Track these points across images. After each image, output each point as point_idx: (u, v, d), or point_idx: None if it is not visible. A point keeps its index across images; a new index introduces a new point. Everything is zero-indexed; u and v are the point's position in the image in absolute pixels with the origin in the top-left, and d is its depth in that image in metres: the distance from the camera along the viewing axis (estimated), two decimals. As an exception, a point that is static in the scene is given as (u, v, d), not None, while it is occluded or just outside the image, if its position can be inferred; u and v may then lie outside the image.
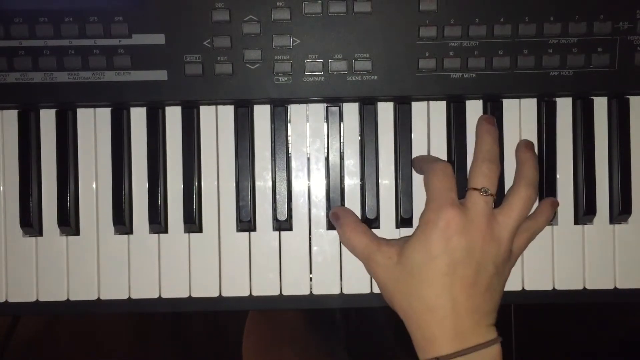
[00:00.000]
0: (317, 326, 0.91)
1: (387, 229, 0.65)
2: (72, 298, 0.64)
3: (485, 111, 0.65)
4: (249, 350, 0.90)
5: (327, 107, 0.65)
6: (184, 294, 0.64)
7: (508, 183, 0.64)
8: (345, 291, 0.64)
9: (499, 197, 0.61)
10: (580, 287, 0.65)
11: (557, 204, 0.63)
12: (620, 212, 0.64)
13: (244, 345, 0.90)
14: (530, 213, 0.60)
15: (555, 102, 0.65)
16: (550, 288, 0.65)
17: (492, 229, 0.57)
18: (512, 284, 0.64)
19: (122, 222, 0.64)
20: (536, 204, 0.62)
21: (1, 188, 0.65)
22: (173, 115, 0.65)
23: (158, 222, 0.64)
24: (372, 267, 0.59)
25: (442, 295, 0.55)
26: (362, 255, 0.60)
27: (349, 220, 0.61)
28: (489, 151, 0.60)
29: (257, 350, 0.89)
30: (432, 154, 0.65)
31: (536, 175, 0.61)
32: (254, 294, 0.64)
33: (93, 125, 0.65)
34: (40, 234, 0.65)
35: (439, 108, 0.65)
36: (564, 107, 0.65)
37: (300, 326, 0.91)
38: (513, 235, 0.58)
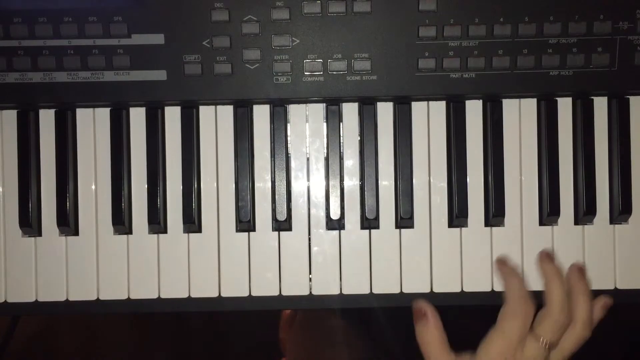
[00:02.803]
0: (361, 334, 0.91)
1: (387, 229, 0.64)
2: (71, 298, 0.64)
3: (485, 111, 0.65)
4: (292, 353, 0.90)
5: (327, 105, 0.65)
6: (183, 294, 0.64)
7: (507, 186, 0.64)
8: (344, 292, 0.64)
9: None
10: (580, 288, 0.65)
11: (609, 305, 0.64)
12: (620, 212, 0.64)
13: (287, 347, 0.91)
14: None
15: (555, 102, 0.65)
16: (550, 288, 0.64)
17: None
18: (512, 284, 0.64)
19: (122, 222, 0.64)
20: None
21: (0, 188, 0.65)
22: (172, 115, 0.65)
23: (157, 222, 0.64)
24: None
25: None
26: None
27: (434, 326, 0.61)
28: (564, 300, 0.60)
29: (299, 354, 0.90)
30: (432, 153, 0.65)
31: (591, 310, 0.61)
32: (253, 294, 0.64)
33: (92, 125, 0.65)
34: (40, 234, 0.65)
35: (439, 108, 0.65)
36: (564, 107, 0.65)
37: (345, 333, 0.91)
38: None
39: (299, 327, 0.91)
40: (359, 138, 0.65)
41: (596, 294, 0.65)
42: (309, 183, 0.65)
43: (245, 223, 0.64)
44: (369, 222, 0.64)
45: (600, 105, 0.65)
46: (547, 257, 0.63)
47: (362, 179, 0.65)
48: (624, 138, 0.64)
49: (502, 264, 0.64)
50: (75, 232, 0.65)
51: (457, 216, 0.64)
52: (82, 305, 0.64)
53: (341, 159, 0.65)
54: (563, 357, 0.60)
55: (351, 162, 0.65)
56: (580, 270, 0.63)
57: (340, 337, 0.90)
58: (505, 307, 0.61)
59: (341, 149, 0.65)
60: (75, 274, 0.64)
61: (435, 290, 0.64)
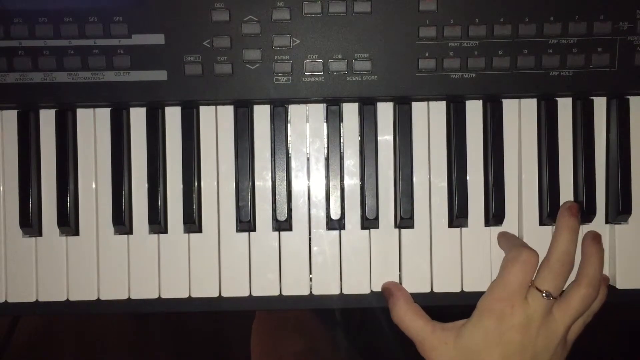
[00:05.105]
0: (324, 314, 0.91)
1: (387, 229, 0.64)
2: (71, 298, 0.64)
3: (485, 111, 0.65)
4: (258, 333, 0.91)
5: (327, 106, 0.65)
6: (183, 294, 0.64)
7: (508, 186, 0.64)
8: (345, 291, 0.64)
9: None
10: (580, 288, 0.65)
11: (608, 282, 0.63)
12: (620, 212, 0.64)
13: (253, 328, 0.91)
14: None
15: (555, 102, 0.65)
16: (550, 288, 0.64)
17: (548, 326, 0.58)
18: (512, 284, 0.64)
19: (122, 222, 0.64)
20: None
21: (1, 188, 0.65)
22: (173, 116, 0.65)
23: (158, 222, 0.64)
24: (425, 350, 0.60)
25: None
26: (416, 337, 0.60)
27: (403, 299, 0.61)
28: (565, 252, 0.59)
29: (265, 334, 0.90)
30: (432, 154, 0.65)
31: (600, 273, 0.60)
32: (254, 294, 0.64)
33: (93, 126, 0.65)
34: (40, 234, 0.65)
35: (439, 108, 0.65)
36: (564, 107, 0.65)
37: (308, 312, 0.91)
38: (568, 328, 0.59)
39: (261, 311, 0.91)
40: (359, 138, 0.65)
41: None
42: (309, 183, 0.65)
43: (246, 223, 0.64)
44: (369, 222, 0.64)
45: (600, 105, 0.65)
46: (570, 210, 0.61)
47: (362, 179, 0.65)
48: (624, 138, 0.64)
49: (503, 234, 0.64)
50: (76, 232, 0.65)
51: (457, 216, 0.64)
52: (82, 305, 0.64)
53: (341, 159, 0.65)
54: (571, 315, 0.58)
55: (351, 162, 0.65)
56: (596, 236, 0.62)
57: (300, 319, 0.90)
58: (505, 256, 0.60)
59: (341, 149, 0.65)
60: (76, 274, 0.64)
61: (435, 290, 0.64)
